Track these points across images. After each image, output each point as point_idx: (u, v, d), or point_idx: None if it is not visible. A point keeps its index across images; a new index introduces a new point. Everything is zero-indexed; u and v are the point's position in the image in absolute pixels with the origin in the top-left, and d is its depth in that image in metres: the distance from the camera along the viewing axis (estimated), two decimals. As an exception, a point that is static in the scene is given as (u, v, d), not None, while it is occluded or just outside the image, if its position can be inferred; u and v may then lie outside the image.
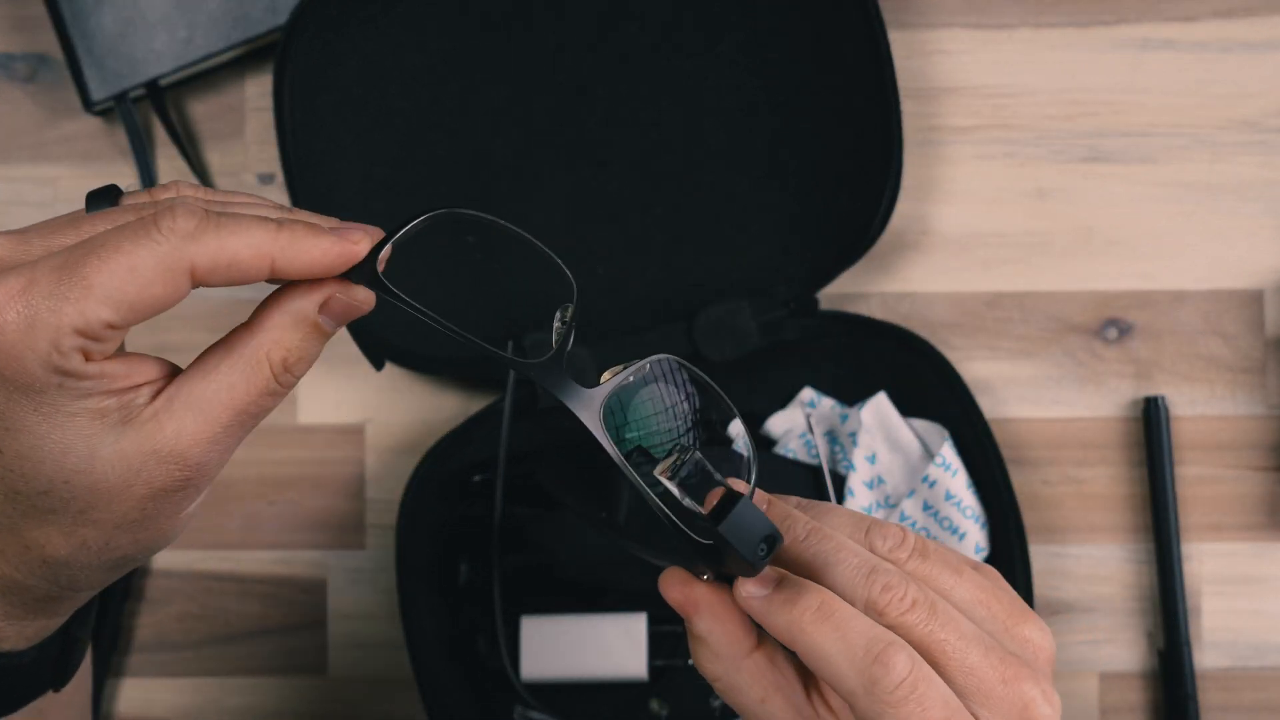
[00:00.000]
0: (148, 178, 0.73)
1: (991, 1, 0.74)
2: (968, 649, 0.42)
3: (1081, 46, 0.74)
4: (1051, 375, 0.73)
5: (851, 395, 0.71)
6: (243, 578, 0.74)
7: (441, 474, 0.70)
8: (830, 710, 0.44)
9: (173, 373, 0.41)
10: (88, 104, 0.72)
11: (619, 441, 0.42)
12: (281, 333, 0.41)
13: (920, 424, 0.70)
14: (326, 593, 0.74)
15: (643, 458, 0.43)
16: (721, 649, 0.44)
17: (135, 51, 0.71)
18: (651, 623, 0.69)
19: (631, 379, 0.42)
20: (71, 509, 0.41)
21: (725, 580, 0.44)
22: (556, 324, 0.44)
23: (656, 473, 0.42)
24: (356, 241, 0.41)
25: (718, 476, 0.42)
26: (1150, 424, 0.72)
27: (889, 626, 0.42)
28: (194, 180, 0.74)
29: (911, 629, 0.42)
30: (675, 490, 0.42)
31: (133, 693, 0.73)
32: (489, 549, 0.69)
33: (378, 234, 0.42)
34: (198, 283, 0.39)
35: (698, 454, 0.43)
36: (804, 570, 0.43)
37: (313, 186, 0.70)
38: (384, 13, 0.70)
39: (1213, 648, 0.72)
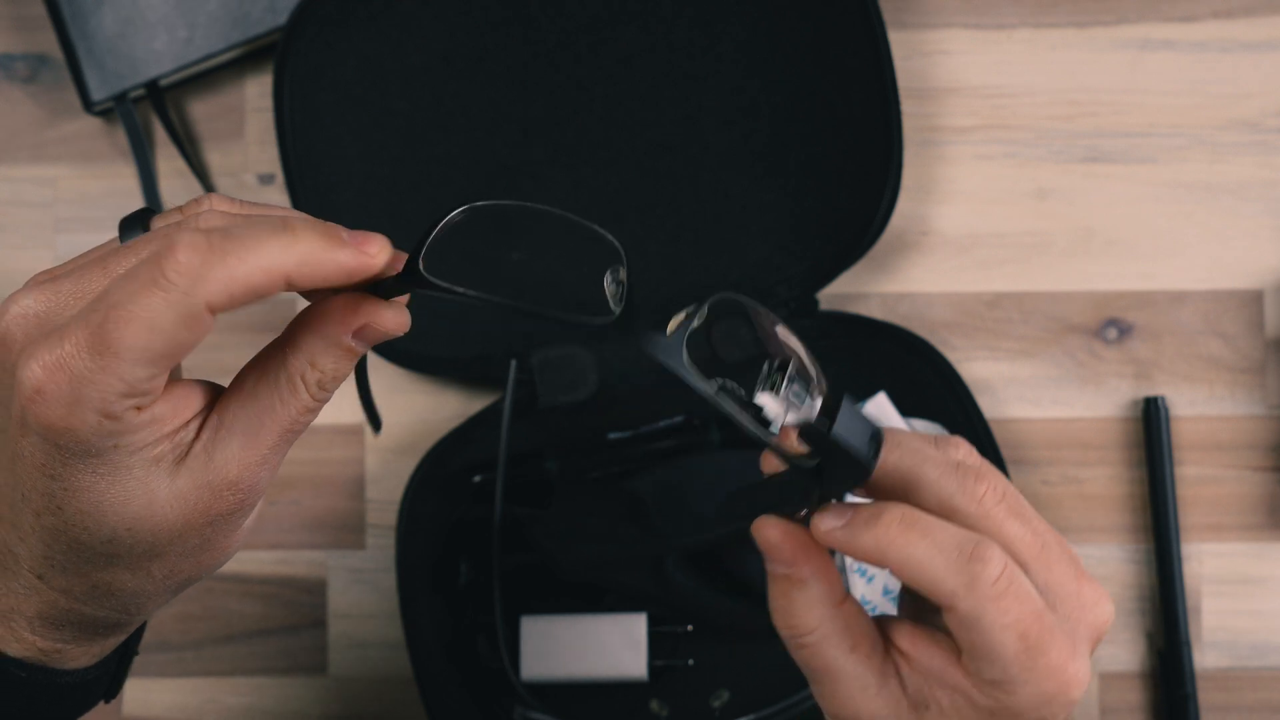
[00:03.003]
0: (148, 178, 0.73)
1: (991, 1, 0.74)
2: (1047, 547, 0.43)
3: (1081, 46, 0.74)
4: (1051, 375, 0.73)
5: (851, 395, 0.71)
6: (243, 578, 0.74)
7: (441, 474, 0.70)
8: (904, 656, 0.45)
9: (213, 395, 0.42)
10: (88, 104, 0.72)
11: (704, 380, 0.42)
12: (315, 355, 0.41)
13: (920, 424, 0.70)
14: (326, 593, 0.74)
15: (725, 392, 0.44)
16: (823, 594, 0.44)
17: (135, 51, 0.71)
18: (651, 623, 0.69)
19: (698, 322, 0.42)
20: (136, 550, 0.41)
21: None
22: (609, 284, 0.44)
23: (758, 399, 0.42)
24: (373, 255, 0.40)
25: (820, 382, 0.42)
26: (1150, 424, 0.72)
27: (978, 518, 0.43)
28: (194, 182, 0.74)
29: (1002, 523, 0.43)
30: (775, 404, 0.42)
31: (133, 693, 0.73)
32: (489, 549, 0.69)
33: (386, 244, 0.41)
34: (219, 312, 0.39)
35: (793, 368, 0.42)
36: (892, 487, 0.44)
37: (313, 186, 0.70)
38: (384, 13, 0.70)
39: (1213, 648, 0.72)
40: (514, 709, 0.69)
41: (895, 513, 0.42)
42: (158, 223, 0.43)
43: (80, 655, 0.45)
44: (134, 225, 0.42)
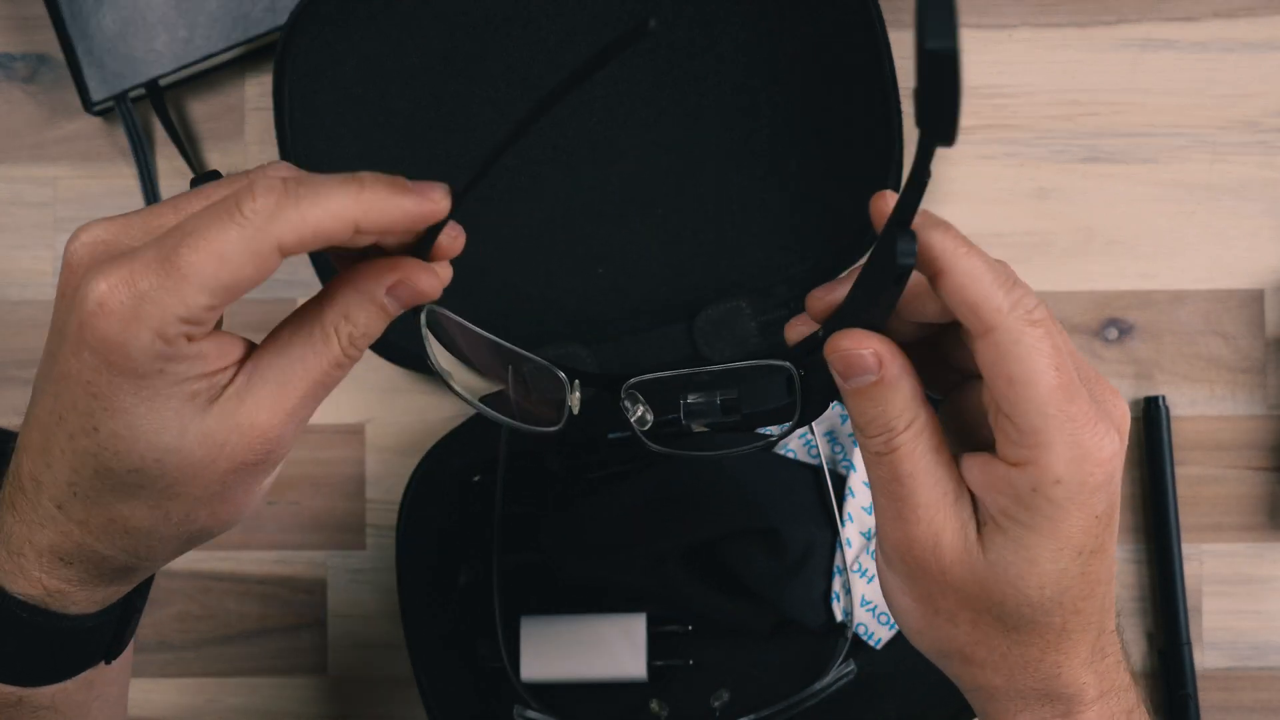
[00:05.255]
0: (148, 178, 0.73)
1: (991, 1, 0.74)
2: (1068, 341, 0.44)
3: (1081, 46, 0.74)
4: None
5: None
6: (243, 578, 0.74)
7: (441, 474, 0.70)
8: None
9: (249, 349, 0.43)
10: (88, 104, 0.72)
11: None
12: (349, 308, 0.43)
13: (920, 424, 0.70)
14: (326, 593, 0.74)
15: None
16: (913, 389, 0.44)
17: (135, 51, 0.71)
18: (651, 623, 0.69)
19: None
20: (159, 484, 0.43)
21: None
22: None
23: None
24: (437, 200, 0.42)
25: None
26: (1150, 424, 0.72)
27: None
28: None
29: (1030, 303, 0.44)
30: None
31: (133, 693, 0.73)
32: (489, 549, 0.69)
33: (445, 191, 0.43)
34: (286, 255, 0.40)
35: None
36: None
37: (313, 186, 0.70)
38: (384, 12, 0.70)
39: (1213, 648, 0.72)
40: (514, 709, 0.69)
41: (958, 232, 0.43)
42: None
43: (84, 600, 0.46)
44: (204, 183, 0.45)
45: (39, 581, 0.45)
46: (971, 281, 0.42)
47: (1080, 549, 0.44)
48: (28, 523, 0.44)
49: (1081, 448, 0.42)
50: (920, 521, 0.44)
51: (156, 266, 0.39)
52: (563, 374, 0.53)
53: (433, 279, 0.43)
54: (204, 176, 0.46)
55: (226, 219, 0.39)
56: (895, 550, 0.45)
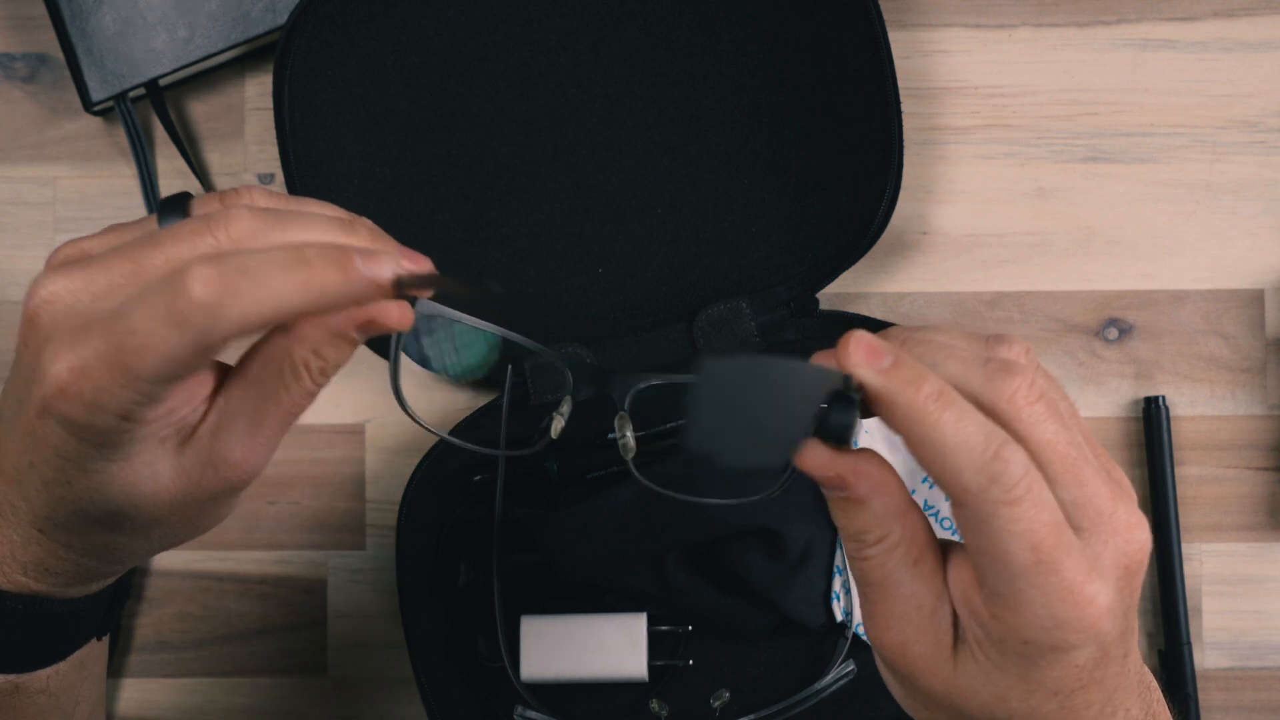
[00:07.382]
0: (147, 178, 0.73)
1: (991, 1, 0.74)
2: (1083, 461, 0.41)
3: (1081, 46, 0.74)
4: (1052, 375, 0.73)
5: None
6: (243, 578, 0.74)
7: (441, 474, 0.70)
8: (946, 580, 0.43)
9: (221, 377, 0.43)
10: (88, 104, 0.72)
11: None
12: (320, 345, 0.42)
13: (920, 424, 0.70)
14: (326, 593, 0.74)
15: None
16: (886, 508, 0.42)
17: (135, 51, 0.71)
18: (651, 623, 0.69)
19: None
20: (138, 521, 0.43)
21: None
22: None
23: None
24: (385, 280, 0.40)
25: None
26: (1150, 424, 0.72)
27: (1009, 417, 0.40)
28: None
29: (1036, 424, 0.40)
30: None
31: (133, 693, 0.73)
32: (489, 549, 0.69)
33: (418, 259, 0.43)
34: (233, 339, 0.40)
35: None
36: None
37: (313, 186, 0.70)
38: (384, 12, 0.70)
39: (1213, 648, 0.72)
40: (514, 709, 0.69)
41: (934, 384, 0.39)
42: (197, 208, 0.44)
43: (76, 592, 0.47)
44: (173, 209, 0.43)
45: (26, 585, 0.46)
46: (941, 457, 0.39)
47: (1057, 691, 0.41)
48: (10, 541, 0.45)
49: (1056, 618, 0.39)
50: (889, 629, 0.43)
51: (107, 362, 0.39)
52: (569, 371, 0.53)
53: (404, 312, 0.42)
54: (173, 199, 0.44)
55: (168, 319, 0.38)
56: (870, 639, 0.44)
